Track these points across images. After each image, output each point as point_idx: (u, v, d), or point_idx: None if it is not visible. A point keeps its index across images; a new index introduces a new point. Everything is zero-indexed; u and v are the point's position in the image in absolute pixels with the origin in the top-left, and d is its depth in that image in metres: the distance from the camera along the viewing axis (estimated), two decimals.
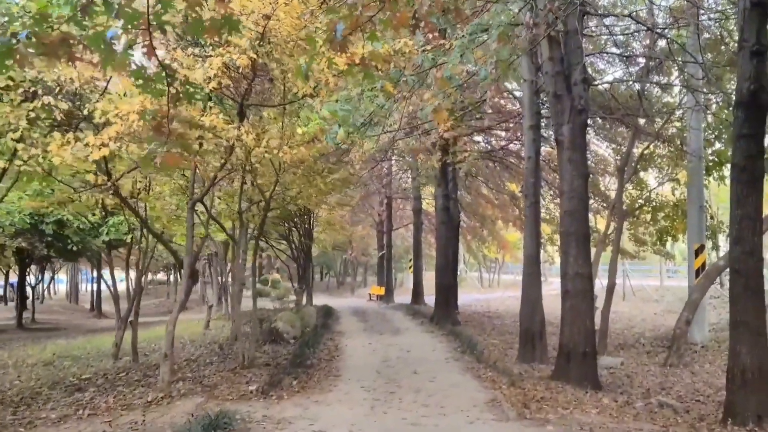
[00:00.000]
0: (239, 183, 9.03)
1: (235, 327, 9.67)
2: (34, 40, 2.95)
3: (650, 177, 15.41)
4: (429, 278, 23.51)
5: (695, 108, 11.67)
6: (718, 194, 17.77)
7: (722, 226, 13.71)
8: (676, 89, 12.92)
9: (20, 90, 5.87)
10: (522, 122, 12.39)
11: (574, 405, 6.42)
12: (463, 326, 15.04)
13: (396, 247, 33.36)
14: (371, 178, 23.27)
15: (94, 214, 11.57)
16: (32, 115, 5.67)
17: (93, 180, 6.46)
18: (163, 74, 3.37)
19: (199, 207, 9.32)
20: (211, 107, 6.32)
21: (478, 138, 18.87)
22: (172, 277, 41.67)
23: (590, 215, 12.59)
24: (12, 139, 5.83)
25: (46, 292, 40.87)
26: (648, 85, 12.33)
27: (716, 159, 12.69)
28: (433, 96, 5.96)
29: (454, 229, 18.23)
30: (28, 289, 26.34)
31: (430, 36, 7.51)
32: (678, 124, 13.32)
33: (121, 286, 15.40)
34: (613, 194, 14.90)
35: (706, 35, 10.89)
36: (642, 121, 12.47)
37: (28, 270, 25.91)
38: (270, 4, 6.03)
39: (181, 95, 3.46)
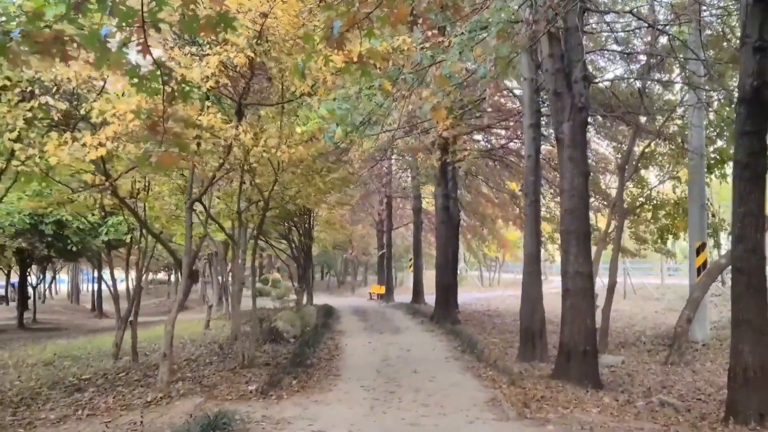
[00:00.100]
0: (238, 183, 9.00)
1: (235, 327, 9.64)
2: (26, 38, 2.92)
3: (651, 175, 15.37)
4: (429, 277, 23.48)
5: (697, 105, 11.61)
6: (720, 192, 17.70)
7: (724, 223, 13.67)
8: (678, 87, 12.87)
9: (17, 90, 5.83)
10: (522, 120, 12.35)
11: (575, 404, 6.38)
12: (463, 325, 15.01)
13: (396, 246, 33.33)
14: (371, 177, 23.24)
15: (93, 215, 11.55)
16: (29, 115, 5.63)
17: (90, 180, 6.42)
18: (158, 73, 3.33)
19: (198, 207, 9.30)
20: (208, 107, 6.28)
21: (478, 137, 18.83)
22: (172, 277, 41.68)
23: (591, 213, 12.55)
24: (9, 139, 5.80)
25: (47, 292, 40.88)
26: (649, 82, 12.28)
27: (718, 157, 12.64)
28: (431, 94, 5.91)
29: (454, 228, 18.19)
30: (29, 289, 26.34)
31: (429, 33, 7.47)
32: (679, 121, 13.26)
33: (122, 286, 15.40)
34: (613, 192, 14.86)
35: (708, 32, 10.84)
36: (643, 119, 12.42)
37: (29, 270, 25.91)
38: (267, 1, 6.00)
39: (176, 94, 3.42)
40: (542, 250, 14.61)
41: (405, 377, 8.03)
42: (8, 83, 5.84)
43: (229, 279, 18.36)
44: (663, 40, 11.71)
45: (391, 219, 28.57)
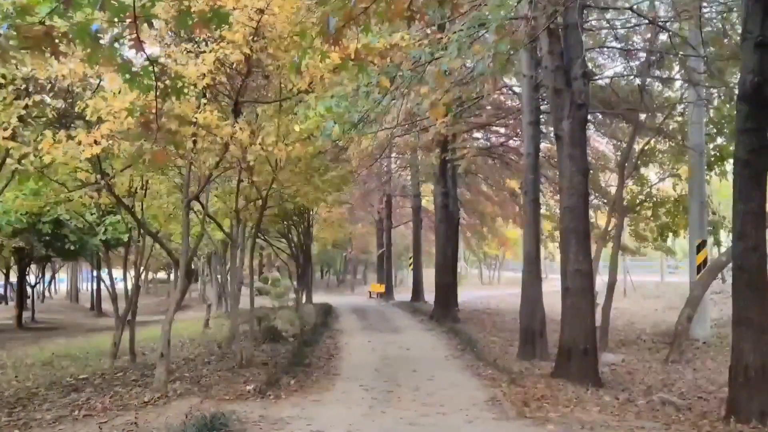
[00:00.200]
0: (236, 181, 8.95)
1: (233, 326, 9.60)
2: (16, 33, 2.87)
3: (651, 173, 15.31)
4: (429, 275, 23.44)
5: (697, 103, 11.57)
6: (720, 190, 17.65)
7: (724, 221, 13.63)
8: (678, 84, 12.83)
9: (11, 87, 5.78)
10: (521, 118, 12.30)
11: (575, 403, 6.34)
12: (463, 324, 14.97)
13: (396, 244, 33.30)
14: (370, 175, 23.19)
15: (92, 214, 11.49)
16: (23, 112, 5.58)
17: (85, 178, 6.37)
18: (151, 69, 3.28)
19: (196, 206, 9.24)
20: (205, 104, 6.23)
21: (478, 134, 18.78)
22: (172, 276, 41.60)
23: (591, 211, 12.51)
24: (4, 137, 5.75)
25: (46, 292, 40.83)
26: (649, 79, 12.22)
27: (718, 154, 12.60)
28: (430, 91, 5.87)
29: (454, 227, 18.16)
30: (28, 289, 26.29)
31: (428, 31, 7.42)
32: (679, 119, 13.21)
33: (121, 285, 15.34)
34: (613, 190, 14.81)
35: (708, 28, 10.77)
36: (643, 116, 12.36)
37: (27, 269, 25.87)
38: None
39: (169, 90, 3.37)
40: (542, 249, 14.55)
41: (404, 376, 7.99)
42: (2, 81, 5.79)
43: (228, 278, 18.31)
44: (663, 37, 11.66)
45: (391, 217, 28.54)
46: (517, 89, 14.72)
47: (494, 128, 18.31)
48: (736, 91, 8.12)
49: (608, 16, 11.85)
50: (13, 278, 25.91)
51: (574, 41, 8.29)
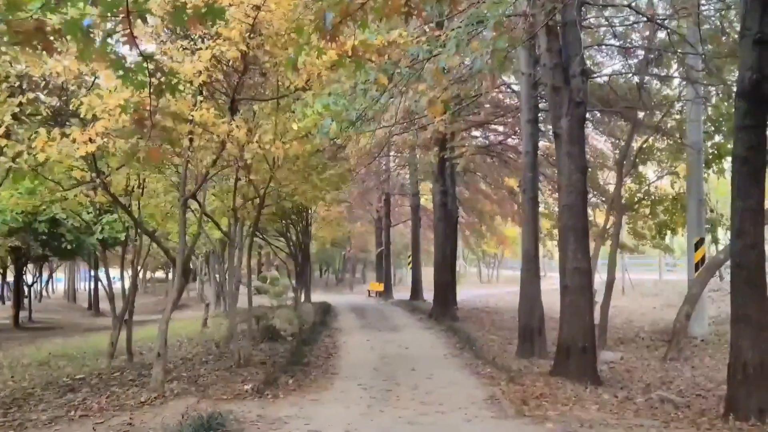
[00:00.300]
0: (233, 180, 8.90)
1: (231, 325, 9.56)
2: (6, 28, 2.83)
3: (649, 171, 15.31)
4: (428, 274, 23.42)
5: (695, 100, 11.56)
6: (717, 187, 17.67)
7: (722, 219, 13.62)
8: (676, 81, 12.82)
9: (5, 85, 5.73)
10: (520, 116, 12.27)
11: (574, 401, 6.32)
12: (462, 322, 14.95)
13: (395, 243, 33.28)
14: (369, 174, 23.16)
15: (89, 213, 11.44)
16: (17, 110, 5.53)
17: (80, 176, 6.33)
18: (145, 65, 3.24)
19: (194, 204, 9.20)
20: (201, 101, 6.18)
21: (476, 133, 18.76)
22: (170, 275, 41.53)
23: (589, 210, 12.49)
24: None
25: (44, 291, 40.73)
26: (647, 77, 12.20)
27: (716, 152, 12.59)
28: (428, 88, 5.83)
29: (453, 225, 18.14)
30: (25, 288, 26.21)
31: (426, 28, 7.39)
32: (677, 116, 13.19)
33: (119, 285, 15.28)
34: (611, 188, 14.79)
35: (706, 26, 10.75)
36: (641, 114, 12.35)
37: (24, 269, 25.78)
38: None
39: (163, 87, 3.33)
40: (540, 247, 14.53)
41: (403, 375, 7.96)
42: None
43: (226, 277, 18.27)
44: (661, 34, 11.64)
45: (390, 216, 28.51)
46: (515, 87, 14.69)
47: (493, 126, 18.29)
48: (735, 89, 8.10)
49: (606, 13, 11.83)
50: (10, 278, 25.80)
51: (572, 39, 8.26)
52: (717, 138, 12.79)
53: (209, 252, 21.65)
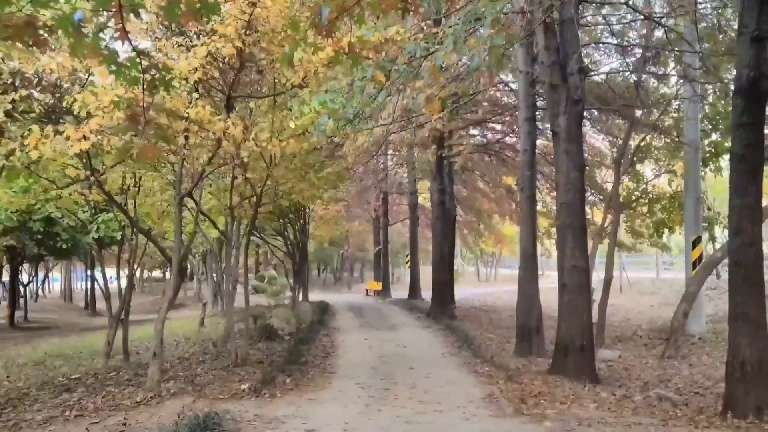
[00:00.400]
0: (230, 178, 8.86)
1: (228, 324, 9.51)
2: None
3: (647, 169, 15.31)
4: (426, 273, 23.39)
5: (692, 98, 11.55)
6: (714, 185, 17.69)
7: (719, 217, 13.63)
8: (673, 80, 12.81)
9: None
10: (517, 115, 12.25)
11: (572, 399, 6.30)
12: (460, 321, 14.94)
13: (393, 242, 33.26)
14: (366, 172, 23.12)
15: (85, 212, 11.37)
16: (9, 107, 5.47)
17: (74, 175, 6.27)
18: (138, 60, 3.20)
19: (190, 203, 9.14)
20: (197, 98, 6.14)
21: (474, 131, 18.74)
22: (167, 274, 41.40)
23: (587, 208, 12.47)
24: None
25: (40, 291, 40.60)
26: (644, 76, 12.19)
27: (713, 150, 12.59)
28: (425, 85, 5.79)
29: (450, 224, 18.11)
30: (21, 288, 26.09)
31: (423, 25, 7.35)
32: (675, 114, 13.19)
33: (116, 284, 15.21)
34: (609, 187, 14.77)
35: (703, 24, 10.75)
36: (638, 112, 12.34)
37: (20, 268, 25.67)
38: None
39: (157, 82, 3.29)
40: (538, 245, 14.51)
41: (401, 374, 7.93)
42: None
43: (224, 276, 18.21)
44: (658, 33, 11.63)
45: (388, 215, 28.47)
46: (513, 86, 14.67)
47: (490, 125, 18.27)
48: (732, 87, 8.08)
49: (604, 12, 11.82)
50: (6, 277, 25.67)
51: (570, 36, 8.24)
52: (714, 136, 12.81)
53: (206, 251, 21.58)
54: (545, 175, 17.56)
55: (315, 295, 25.82)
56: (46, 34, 3.18)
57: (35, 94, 6.55)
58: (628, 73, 12.69)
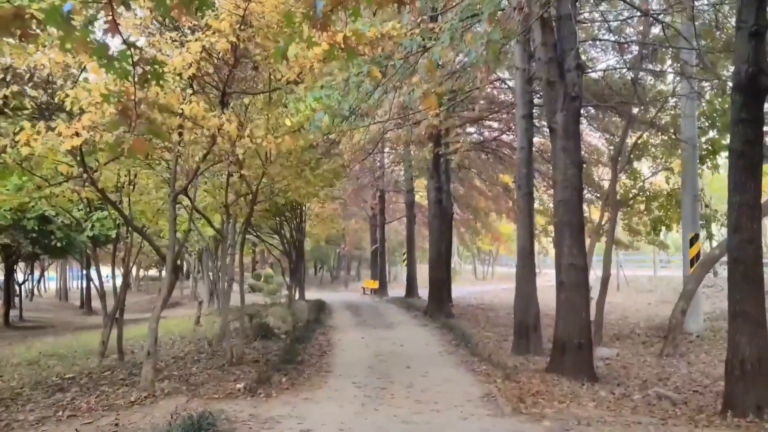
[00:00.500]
0: (225, 175, 8.78)
1: (224, 323, 9.44)
2: None
3: (644, 166, 15.29)
4: (423, 271, 23.34)
5: (689, 95, 11.52)
6: (711, 183, 17.70)
7: (716, 214, 13.62)
8: (670, 77, 12.78)
9: None
10: (514, 112, 12.20)
11: (571, 398, 6.26)
12: (457, 319, 14.90)
13: (389, 240, 33.19)
14: (363, 170, 23.05)
15: (79, 210, 11.26)
16: (0, 103, 5.38)
17: (67, 171, 6.18)
18: (129, 53, 3.11)
19: (186, 201, 9.06)
20: (191, 94, 6.05)
21: (471, 129, 18.69)
22: (163, 273, 41.24)
23: (584, 206, 12.42)
24: None
25: (35, 290, 40.40)
26: (641, 73, 12.15)
27: (710, 147, 12.57)
28: (422, 80, 5.73)
29: (447, 222, 18.06)
30: (16, 287, 25.93)
31: (419, 20, 7.29)
32: (672, 112, 13.17)
33: (111, 284, 15.09)
34: (606, 184, 14.74)
35: (701, 21, 10.71)
36: (635, 110, 12.31)
37: (15, 267, 25.50)
38: None
39: (149, 76, 3.21)
40: (536, 243, 14.47)
41: (398, 373, 7.88)
42: None
43: (219, 275, 18.11)
44: (656, 30, 11.59)
45: (384, 213, 28.40)
46: (510, 83, 14.63)
47: (487, 123, 18.23)
48: (729, 84, 8.03)
49: (601, 8, 11.77)
50: (0, 276, 25.50)
51: (567, 33, 8.18)
52: (711, 133, 12.78)
53: (202, 249, 21.47)
54: (542, 173, 17.53)
55: (311, 294, 25.75)
56: (35, 27, 3.09)
57: (27, 90, 6.46)
58: (625, 70, 12.65)
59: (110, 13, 3.04)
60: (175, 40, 6.39)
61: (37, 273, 38.80)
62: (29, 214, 13.62)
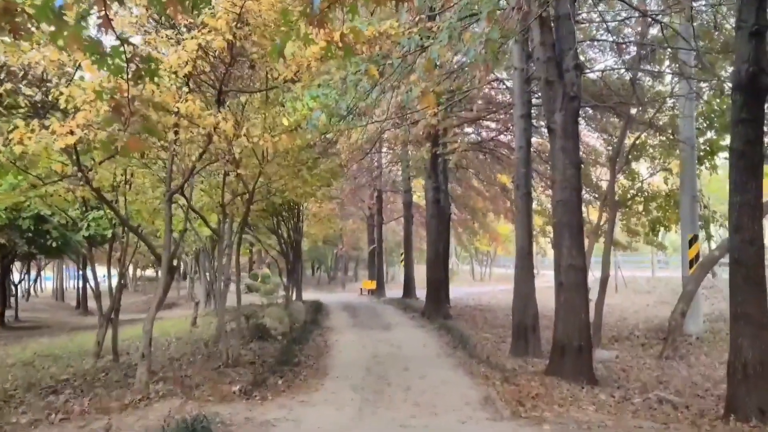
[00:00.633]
0: (221, 175, 8.69)
1: (220, 324, 9.35)
2: None
3: (642, 167, 15.26)
4: (420, 272, 23.26)
5: (688, 96, 11.49)
6: (709, 184, 17.68)
7: (715, 215, 13.59)
8: (668, 78, 12.76)
9: None
10: (513, 112, 12.15)
11: (570, 401, 6.19)
12: (455, 320, 14.83)
13: (387, 240, 33.11)
14: (360, 170, 22.98)
15: (76, 209, 11.16)
16: None
17: (61, 170, 6.09)
18: (122, 49, 3.04)
19: (182, 200, 8.97)
20: (187, 92, 5.98)
21: (469, 129, 18.64)
22: (161, 273, 41.03)
23: (582, 206, 12.36)
24: None
25: (32, 290, 40.19)
26: (640, 73, 12.11)
27: (708, 148, 12.54)
28: (419, 79, 5.66)
29: (445, 222, 18.00)
30: (12, 287, 25.77)
31: (417, 19, 7.23)
32: (670, 112, 13.14)
33: (107, 283, 14.98)
34: (604, 185, 14.71)
35: (699, 21, 10.67)
36: (633, 110, 12.27)
37: (11, 267, 25.34)
38: None
39: (142, 72, 3.13)
40: (534, 244, 14.41)
41: (395, 375, 7.81)
42: None
43: (216, 275, 18.01)
44: (654, 30, 11.56)
45: (382, 213, 28.33)
46: (508, 83, 14.58)
47: (485, 123, 18.18)
48: (727, 85, 7.98)
49: (599, 8, 11.73)
50: None
51: (566, 32, 8.13)
52: (710, 134, 12.75)
53: (199, 250, 21.37)
54: (540, 173, 17.49)
55: (309, 294, 25.65)
56: (24, 21, 3.02)
57: (22, 88, 6.37)
58: (623, 70, 12.62)
59: (103, 9, 2.97)
60: (171, 38, 6.31)
61: (33, 273, 38.61)
62: (25, 213, 13.50)
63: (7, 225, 14.72)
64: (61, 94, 5.33)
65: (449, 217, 19.29)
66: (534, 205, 15.99)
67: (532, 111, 12.30)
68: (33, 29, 3.25)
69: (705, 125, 12.69)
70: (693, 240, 11.83)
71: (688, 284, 10.45)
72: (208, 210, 10.92)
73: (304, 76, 6.43)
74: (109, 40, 3.40)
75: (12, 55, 6.00)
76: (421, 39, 5.92)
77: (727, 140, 11.33)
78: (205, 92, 7.37)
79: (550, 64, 8.12)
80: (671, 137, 12.74)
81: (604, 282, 11.31)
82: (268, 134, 6.50)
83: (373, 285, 27.94)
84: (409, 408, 6.02)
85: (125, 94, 3.30)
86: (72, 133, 5.13)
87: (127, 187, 9.18)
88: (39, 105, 6.49)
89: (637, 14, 10.72)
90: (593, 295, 10.48)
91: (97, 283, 11.34)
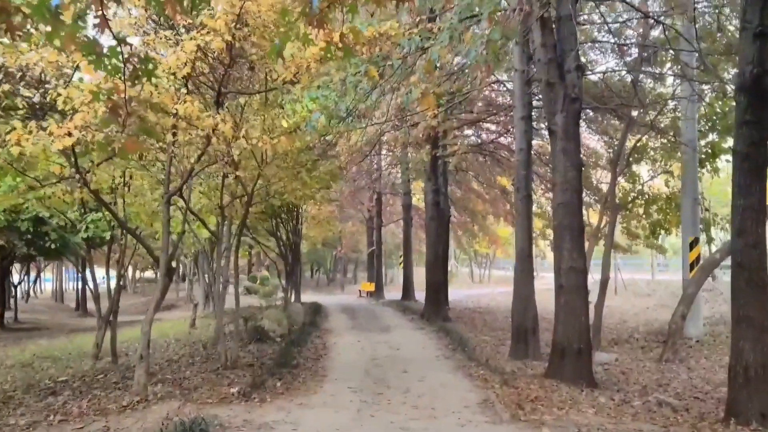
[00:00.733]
0: (220, 176, 8.66)
1: (218, 326, 9.32)
2: None
3: (643, 170, 15.22)
4: (420, 274, 23.23)
5: (690, 98, 11.46)
6: (710, 186, 17.65)
7: (716, 218, 13.55)
8: (670, 80, 12.73)
9: None
10: (513, 114, 12.12)
11: (570, 405, 6.16)
12: (454, 322, 14.79)
13: (386, 243, 33.08)
14: (360, 172, 22.95)
15: (74, 211, 11.13)
16: None
17: (59, 172, 6.06)
18: (119, 49, 3.01)
19: (180, 202, 8.94)
20: (186, 94, 5.95)
21: (469, 131, 18.62)
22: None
23: (582, 209, 12.33)
24: None
25: (31, 291, 40.14)
26: (641, 75, 12.09)
27: (710, 150, 12.51)
28: (419, 80, 5.63)
29: (445, 225, 17.97)
30: (11, 288, 25.72)
31: (417, 20, 7.20)
32: (672, 114, 13.11)
33: (106, 285, 14.97)
34: (605, 187, 14.68)
35: (701, 23, 10.65)
36: (635, 112, 12.24)
37: (11, 268, 25.30)
38: None
39: (140, 72, 3.10)
40: (534, 246, 14.37)
41: (394, 378, 7.77)
42: None
43: (215, 277, 17.96)
44: (656, 32, 11.53)
45: (381, 215, 28.29)
46: (508, 85, 14.56)
47: (485, 125, 18.16)
48: (729, 87, 7.94)
49: (601, 10, 11.71)
50: None
51: (567, 33, 8.11)
52: (711, 136, 12.72)
53: (198, 252, 21.32)
54: (540, 176, 17.46)
55: (307, 296, 25.61)
56: (20, 21, 2.99)
57: (20, 89, 6.34)
58: (624, 72, 12.59)
59: (100, 8, 2.95)
60: (170, 39, 6.28)
61: (32, 274, 38.57)
62: (24, 215, 13.48)
63: (6, 227, 14.70)
64: (59, 95, 5.30)
65: (449, 219, 19.26)
66: (534, 208, 15.98)
67: (533, 113, 12.27)
68: (32, 30, 3.23)
69: (707, 127, 12.66)
70: (694, 243, 11.80)
71: (689, 287, 10.42)
72: (207, 212, 10.88)
73: (304, 78, 6.40)
74: (106, 41, 3.39)
75: (10, 56, 5.98)
76: (422, 40, 5.89)
77: (729, 143, 11.33)
78: (204, 93, 7.35)
79: (552, 66, 8.09)
80: (673, 140, 12.71)
81: (604, 284, 11.27)
82: (267, 136, 6.48)
83: (372, 287, 27.90)
84: (407, 411, 5.98)
85: (122, 95, 3.28)
86: (70, 134, 5.10)
87: (126, 189, 9.15)
88: (37, 106, 6.46)
89: (638, 15, 10.71)
90: (593, 298, 10.45)
91: (96, 285, 11.29)
